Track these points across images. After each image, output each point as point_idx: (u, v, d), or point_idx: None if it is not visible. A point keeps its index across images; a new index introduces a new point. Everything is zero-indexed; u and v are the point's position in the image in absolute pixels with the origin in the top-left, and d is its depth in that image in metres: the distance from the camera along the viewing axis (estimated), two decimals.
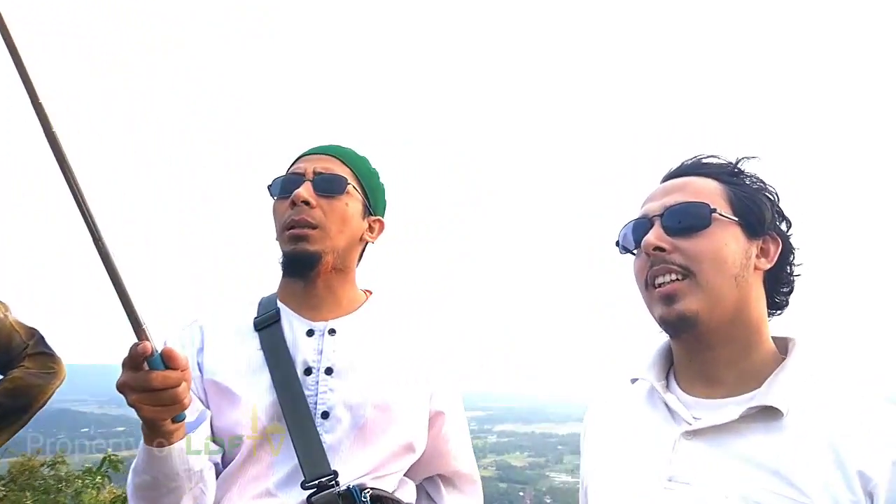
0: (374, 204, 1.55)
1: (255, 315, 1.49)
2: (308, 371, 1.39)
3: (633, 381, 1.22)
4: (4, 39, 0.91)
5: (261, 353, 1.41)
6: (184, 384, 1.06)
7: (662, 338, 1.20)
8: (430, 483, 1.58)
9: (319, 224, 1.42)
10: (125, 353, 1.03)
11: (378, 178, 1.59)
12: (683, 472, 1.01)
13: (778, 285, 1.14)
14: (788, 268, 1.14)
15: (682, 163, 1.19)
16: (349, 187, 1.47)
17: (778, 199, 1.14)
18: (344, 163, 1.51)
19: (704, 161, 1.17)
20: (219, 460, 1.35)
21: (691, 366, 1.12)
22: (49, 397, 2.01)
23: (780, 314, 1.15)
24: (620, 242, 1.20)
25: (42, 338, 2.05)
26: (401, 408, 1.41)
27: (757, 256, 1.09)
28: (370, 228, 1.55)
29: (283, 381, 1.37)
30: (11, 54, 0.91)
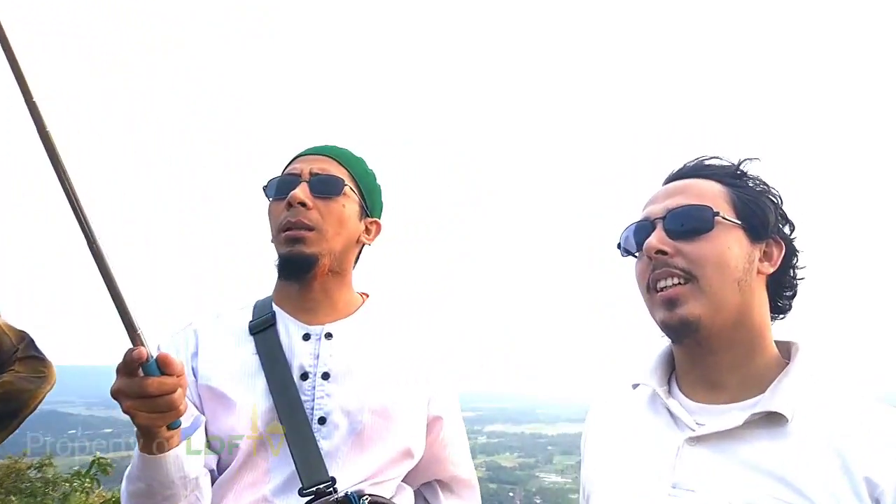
0: (370, 205, 1.53)
1: (251, 319, 1.46)
2: (304, 376, 1.37)
3: (635, 386, 1.21)
4: None
5: (256, 357, 1.39)
6: (179, 390, 1.04)
7: (662, 342, 1.19)
8: (427, 488, 1.56)
9: (316, 226, 1.40)
10: (119, 358, 1.01)
11: (375, 178, 1.57)
12: (688, 478, 1.00)
13: (781, 289, 1.13)
14: (791, 271, 1.13)
15: (685, 164, 1.18)
16: (346, 188, 1.45)
17: (781, 202, 1.13)
18: (340, 163, 1.49)
19: (707, 163, 1.16)
20: (214, 467, 1.33)
21: (693, 371, 1.11)
22: (40, 402, 1.98)
23: (782, 318, 1.14)
24: (622, 245, 1.18)
25: (32, 341, 2.02)
26: (399, 413, 1.39)
27: (760, 260, 1.08)
28: (367, 230, 1.53)
29: (279, 386, 1.35)
30: (6, 52, 0.89)
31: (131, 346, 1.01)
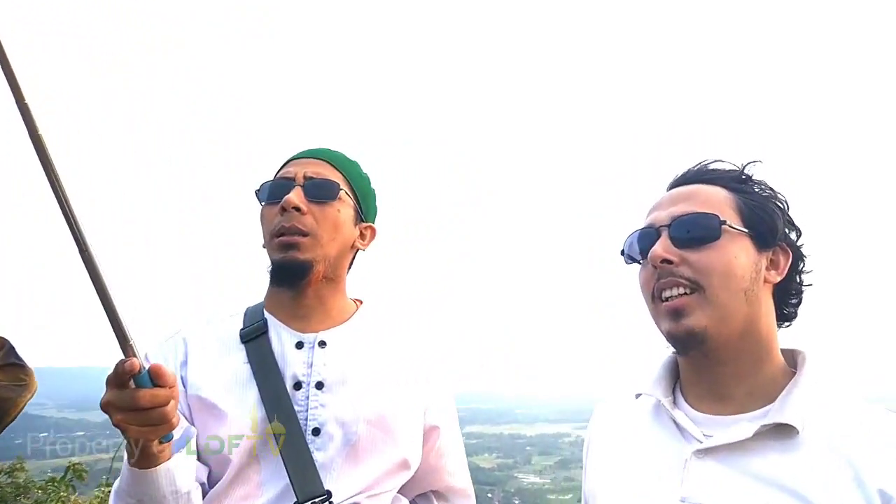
0: (365, 210, 1.49)
1: (241, 326, 1.42)
2: (298, 385, 1.33)
3: (638, 395, 1.19)
4: None
5: (247, 366, 1.35)
6: (172, 402, 1.01)
7: (665, 351, 1.18)
8: (423, 500, 1.53)
9: (311, 231, 1.37)
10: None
11: (369, 182, 1.53)
12: (697, 492, 0.98)
13: (787, 297, 1.11)
14: (798, 278, 1.12)
15: (688, 169, 1.17)
16: (341, 193, 1.42)
17: (787, 207, 1.11)
18: (335, 167, 1.45)
19: (711, 167, 1.15)
20: (205, 480, 1.29)
21: (699, 381, 1.09)
22: (20, 410, 1.92)
23: (788, 326, 1.13)
24: (626, 251, 1.16)
25: (12, 348, 1.95)
26: (395, 423, 1.36)
27: (767, 269, 1.07)
28: (361, 236, 1.50)
29: (271, 396, 1.31)
30: None
31: (123, 356, 0.96)
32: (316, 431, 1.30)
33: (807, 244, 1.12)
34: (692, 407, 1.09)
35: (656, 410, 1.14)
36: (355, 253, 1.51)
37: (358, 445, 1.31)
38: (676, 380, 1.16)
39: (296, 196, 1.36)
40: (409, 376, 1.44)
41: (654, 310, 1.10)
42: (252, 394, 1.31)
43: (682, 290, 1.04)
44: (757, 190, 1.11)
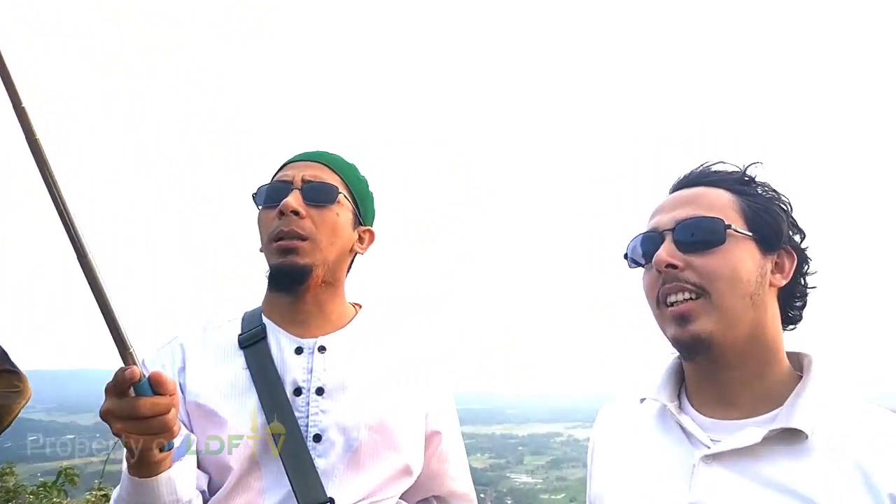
0: (363, 213, 1.48)
1: (239, 332, 1.40)
2: (298, 391, 1.32)
3: (642, 400, 1.18)
4: None
5: (246, 372, 1.33)
6: (173, 410, 0.99)
7: (670, 355, 1.17)
8: None
9: (309, 235, 1.35)
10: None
11: (367, 185, 1.52)
12: (706, 497, 0.97)
13: (792, 300, 1.10)
14: (802, 280, 1.11)
15: (690, 171, 1.16)
16: (340, 196, 1.40)
17: (791, 209, 1.11)
18: (333, 170, 1.44)
19: (714, 169, 1.14)
20: (206, 488, 1.27)
21: (705, 386, 1.08)
22: (15, 417, 1.89)
23: (793, 329, 1.13)
24: (629, 255, 1.15)
25: (6, 354, 1.92)
26: (396, 429, 1.35)
27: (772, 272, 1.06)
28: (360, 239, 1.48)
29: (271, 402, 1.29)
30: None
31: (123, 364, 0.95)
32: (317, 438, 1.28)
33: (809, 246, 1.12)
34: (698, 412, 1.08)
35: (661, 415, 1.13)
36: (354, 257, 1.50)
37: (360, 452, 1.30)
38: (681, 384, 1.15)
39: (294, 200, 1.35)
40: (409, 378, 1.43)
41: (659, 315, 1.09)
42: (252, 400, 1.29)
43: (687, 296, 1.03)
44: (760, 192, 1.10)
